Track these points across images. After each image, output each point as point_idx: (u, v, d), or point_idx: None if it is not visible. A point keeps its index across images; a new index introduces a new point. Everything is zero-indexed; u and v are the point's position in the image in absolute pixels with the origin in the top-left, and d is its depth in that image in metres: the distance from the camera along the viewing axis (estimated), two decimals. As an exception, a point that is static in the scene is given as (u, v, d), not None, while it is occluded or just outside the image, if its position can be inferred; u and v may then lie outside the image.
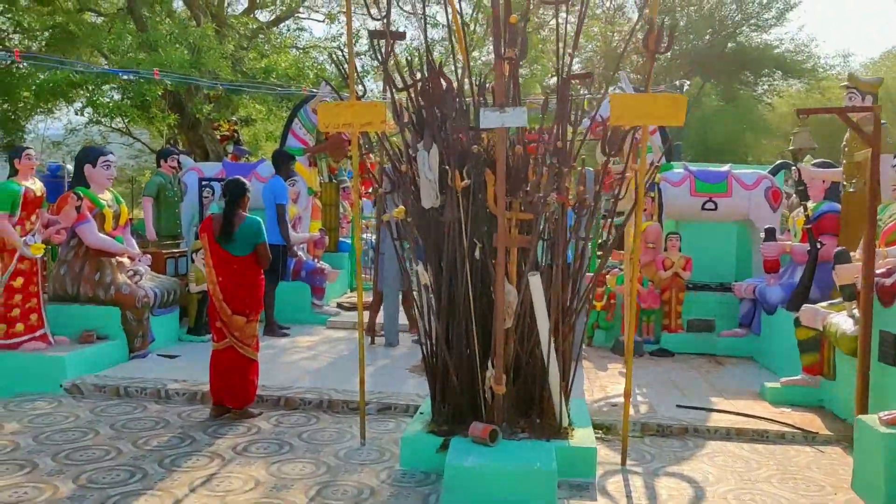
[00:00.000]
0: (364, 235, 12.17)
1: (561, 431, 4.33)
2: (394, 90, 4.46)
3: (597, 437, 4.53)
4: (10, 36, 12.35)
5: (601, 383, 6.24)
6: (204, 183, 9.16)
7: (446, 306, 4.38)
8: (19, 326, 5.94)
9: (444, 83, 4.29)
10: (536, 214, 4.10)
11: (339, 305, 9.52)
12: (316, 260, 9.24)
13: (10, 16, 12.02)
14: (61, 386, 5.68)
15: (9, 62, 12.17)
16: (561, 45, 4.17)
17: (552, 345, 4.24)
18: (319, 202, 10.75)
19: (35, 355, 5.87)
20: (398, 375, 6.35)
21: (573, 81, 4.42)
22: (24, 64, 11.70)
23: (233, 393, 5.13)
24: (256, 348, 5.27)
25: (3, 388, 5.63)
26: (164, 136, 14.08)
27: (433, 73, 4.26)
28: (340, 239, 11.42)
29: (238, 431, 4.86)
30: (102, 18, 12.28)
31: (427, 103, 4.31)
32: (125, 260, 6.93)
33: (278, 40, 14.02)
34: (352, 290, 11.12)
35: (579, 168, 4.47)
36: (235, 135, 14.41)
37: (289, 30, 15.76)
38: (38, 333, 6.05)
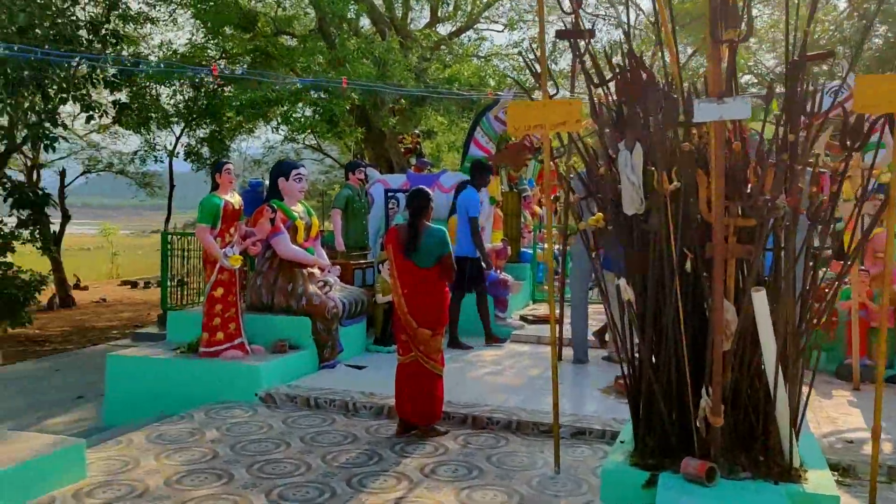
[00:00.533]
0: (543, 246, 11.80)
1: (790, 472, 3.70)
2: (591, 84, 4.07)
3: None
4: (218, 61, 13.35)
5: (828, 414, 5.42)
6: (389, 194, 9.24)
7: (652, 325, 3.91)
8: (220, 335, 6.18)
9: (646, 75, 3.84)
10: (761, 221, 3.53)
11: (523, 318, 9.21)
12: (498, 271, 9.00)
13: (216, 41, 12.99)
14: (256, 395, 5.82)
15: (214, 86, 13.17)
16: (792, 19, 3.58)
17: (779, 371, 3.63)
18: (501, 212, 10.54)
19: (233, 364, 6.07)
20: (590, 396, 5.91)
21: (808, 63, 3.79)
22: (229, 88, 12.60)
23: (419, 410, 4.96)
24: (442, 363, 5.07)
25: (206, 394, 5.85)
26: (351, 151, 14.62)
27: (634, 65, 3.82)
28: (521, 249, 11.13)
29: (425, 451, 4.66)
30: (296, 40, 12.94)
31: (629, 98, 3.87)
32: (316, 271, 7.05)
33: (460, 50, 14.06)
34: (535, 302, 10.79)
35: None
36: (418, 147, 14.63)
37: (469, 40, 15.85)
38: (236, 342, 6.26)
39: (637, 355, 4.00)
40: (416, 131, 14.84)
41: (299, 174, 6.91)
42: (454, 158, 18.90)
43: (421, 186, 5.32)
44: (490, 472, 4.27)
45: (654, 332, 3.88)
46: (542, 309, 10.15)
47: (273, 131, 13.35)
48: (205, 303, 6.22)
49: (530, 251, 11.14)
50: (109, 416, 6.18)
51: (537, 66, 4.38)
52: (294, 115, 10.38)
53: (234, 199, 6.41)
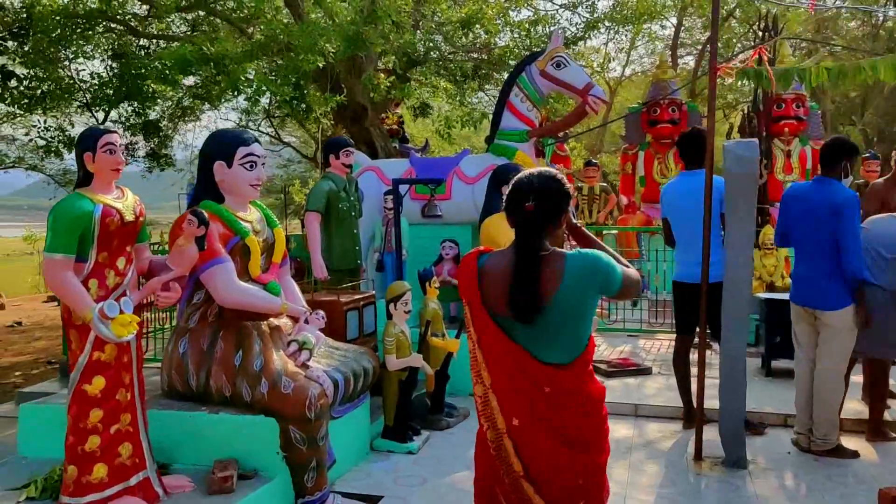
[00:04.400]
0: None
1: None
2: None
3: None
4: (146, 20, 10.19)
5: None
6: (387, 189, 6.26)
7: None
8: (100, 470, 3.14)
9: None
10: None
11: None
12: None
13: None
14: None
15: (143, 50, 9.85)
16: None
17: None
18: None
19: (125, 535, 3.04)
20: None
21: None
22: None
23: None
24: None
25: None
26: (317, 140, 11.52)
27: None
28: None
29: None
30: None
31: None
32: (285, 322, 4.05)
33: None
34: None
35: None
36: (401, 131, 11.60)
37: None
38: (133, 482, 3.23)
39: None
40: (398, 112, 11.82)
41: (251, 156, 3.89)
42: (467, 138, 15.25)
43: (544, 171, 2.31)
44: None
45: None
46: (610, 349, 7.23)
47: (217, 109, 10.29)
48: (69, 406, 3.17)
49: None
50: None
51: None
52: (245, 76, 7.30)
53: (126, 201, 3.34)
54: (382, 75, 8.15)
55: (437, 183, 5.17)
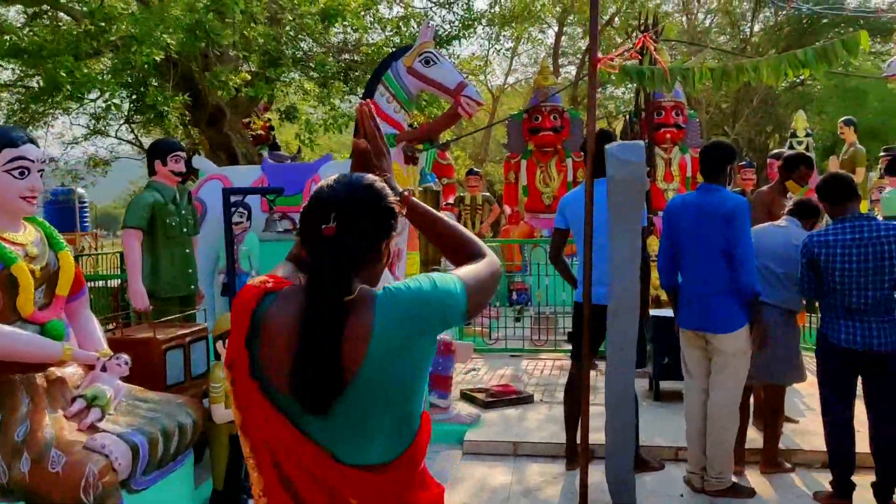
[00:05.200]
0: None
1: None
2: None
3: None
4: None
5: None
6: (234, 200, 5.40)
7: None
8: None
9: None
10: None
11: (469, 397, 5.64)
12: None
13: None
14: None
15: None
16: None
17: None
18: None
19: None
20: None
21: None
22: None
23: None
24: None
25: None
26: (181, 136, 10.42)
27: None
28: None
29: None
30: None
31: None
32: (73, 373, 3.17)
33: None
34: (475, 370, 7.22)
35: None
36: (271, 136, 10.70)
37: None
38: None
39: None
40: (268, 118, 10.90)
41: (22, 160, 3.01)
42: (336, 142, 14.49)
43: (356, 178, 1.59)
44: None
45: None
46: (490, 373, 6.63)
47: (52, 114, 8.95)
48: None
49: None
50: None
51: None
52: (64, 73, 6.15)
53: None
54: (233, 74, 7.23)
55: (276, 193, 4.39)
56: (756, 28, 22.72)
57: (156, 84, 7.60)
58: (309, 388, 1.34)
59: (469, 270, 1.55)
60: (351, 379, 1.36)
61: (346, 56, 9.22)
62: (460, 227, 1.72)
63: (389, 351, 1.37)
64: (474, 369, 6.66)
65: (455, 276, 1.50)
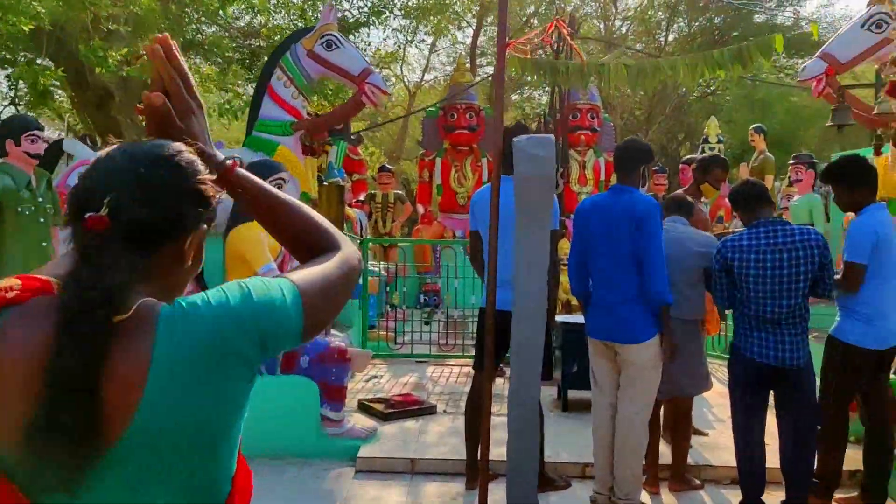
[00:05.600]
0: (374, 269, 7.89)
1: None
2: None
3: None
4: None
5: None
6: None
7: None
8: None
9: None
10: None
11: (366, 408, 5.25)
12: (325, 331, 4.94)
13: None
14: None
15: None
16: None
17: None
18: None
19: None
20: None
21: None
22: None
23: None
24: None
25: None
26: (66, 124, 9.56)
27: None
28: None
29: None
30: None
31: None
32: None
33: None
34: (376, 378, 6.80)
35: None
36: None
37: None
38: None
39: None
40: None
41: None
42: (233, 130, 13.57)
43: (140, 147, 1.17)
44: None
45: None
46: (393, 381, 6.25)
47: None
48: None
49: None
50: None
51: None
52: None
53: None
54: (113, 51, 6.58)
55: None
56: (671, 38, 23.16)
57: (29, 57, 6.86)
58: (52, 451, 0.92)
59: (310, 272, 1.16)
60: (117, 435, 0.94)
61: (252, 41, 8.65)
62: (311, 211, 1.30)
63: (176, 392, 0.96)
64: (376, 377, 6.27)
65: (286, 280, 1.10)
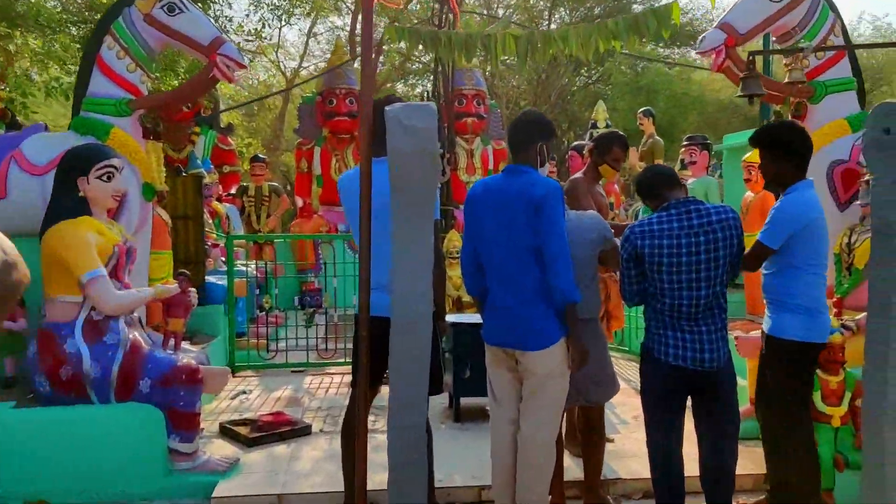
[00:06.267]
0: (241, 266, 7.08)
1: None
2: None
3: None
4: None
5: None
6: None
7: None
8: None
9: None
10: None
11: (229, 431, 4.49)
12: (175, 346, 4.12)
13: None
14: None
15: None
16: None
17: None
18: (166, 213, 5.61)
19: None
20: None
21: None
22: None
23: None
24: None
25: None
26: None
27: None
28: (207, 278, 6.25)
29: None
30: None
31: None
32: None
33: None
34: (233, 375, 5.99)
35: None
36: (8, 113, 8.74)
37: None
38: None
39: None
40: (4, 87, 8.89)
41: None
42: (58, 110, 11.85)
43: None
44: None
45: None
46: (264, 396, 5.50)
47: None
48: None
49: (222, 281, 6.31)
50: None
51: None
52: None
53: None
54: None
55: None
56: (553, 27, 23.18)
57: None
58: None
59: None
60: None
61: (91, 13, 7.57)
62: None
63: None
64: (244, 392, 5.50)
65: None
